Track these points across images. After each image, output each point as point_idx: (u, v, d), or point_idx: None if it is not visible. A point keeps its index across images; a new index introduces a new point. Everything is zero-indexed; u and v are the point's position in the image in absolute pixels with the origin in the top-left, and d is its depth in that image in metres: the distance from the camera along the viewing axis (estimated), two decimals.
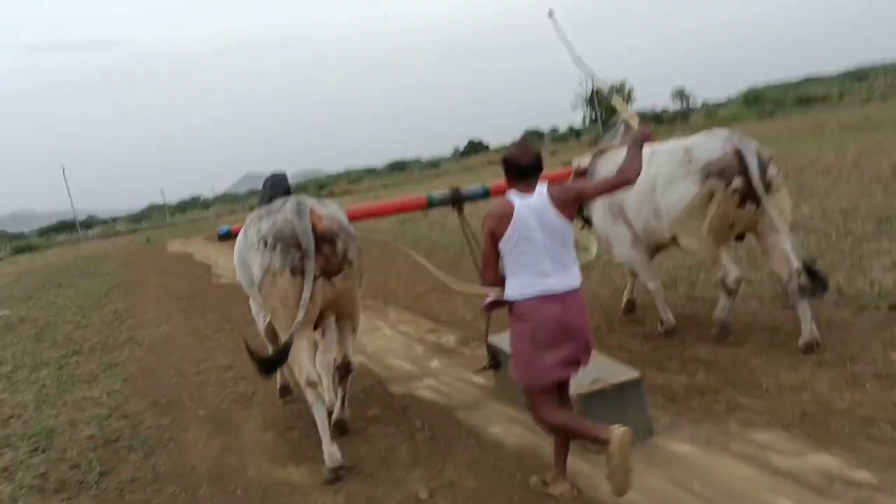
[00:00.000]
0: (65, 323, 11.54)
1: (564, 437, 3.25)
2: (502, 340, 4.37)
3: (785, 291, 4.75)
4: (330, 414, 4.28)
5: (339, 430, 4.42)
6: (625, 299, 6.03)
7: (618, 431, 2.88)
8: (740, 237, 4.78)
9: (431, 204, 5.27)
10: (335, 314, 4.44)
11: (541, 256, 3.07)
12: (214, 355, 7.38)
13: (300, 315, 3.79)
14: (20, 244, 61.12)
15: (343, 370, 4.45)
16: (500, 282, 3.21)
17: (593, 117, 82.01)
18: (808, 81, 68.89)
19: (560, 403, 3.22)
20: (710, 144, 4.48)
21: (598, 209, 5.37)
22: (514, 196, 3.13)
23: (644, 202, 4.81)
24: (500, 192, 4.62)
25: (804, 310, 4.38)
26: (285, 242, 3.89)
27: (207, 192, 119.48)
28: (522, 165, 3.14)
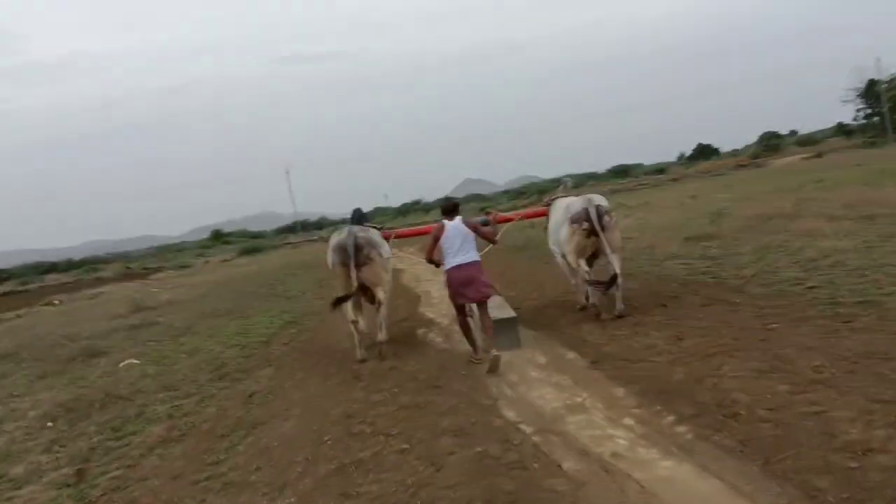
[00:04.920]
0: (171, 400, 7.09)
1: (468, 333, 6.85)
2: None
3: (608, 282, 7.29)
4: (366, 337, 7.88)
5: (380, 353, 7.50)
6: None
7: (489, 356, 6.27)
8: (594, 256, 7.72)
9: None
10: (370, 286, 7.57)
11: (456, 246, 6.59)
12: None
13: (352, 283, 7.32)
14: (249, 245, 62.34)
15: (378, 305, 7.75)
16: (433, 260, 6.86)
17: (870, 112, 69.07)
18: None
19: (481, 315, 6.70)
20: (576, 204, 7.66)
21: (550, 239, 8.73)
22: (445, 221, 6.75)
23: (555, 233, 8.20)
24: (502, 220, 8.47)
25: (618, 294, 7.46)
26: (340, 249, 7.41)
27: (428, 196, 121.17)
28: (448, 208, 6.90)
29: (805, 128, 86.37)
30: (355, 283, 7.31)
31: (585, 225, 7.34)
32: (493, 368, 6.14)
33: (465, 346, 7.18)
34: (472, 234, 6.69)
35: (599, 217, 7.31)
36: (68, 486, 5.07)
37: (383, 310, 7.78)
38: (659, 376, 5.31)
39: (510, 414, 5.08)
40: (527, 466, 3.98)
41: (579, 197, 7.85)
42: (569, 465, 3.97)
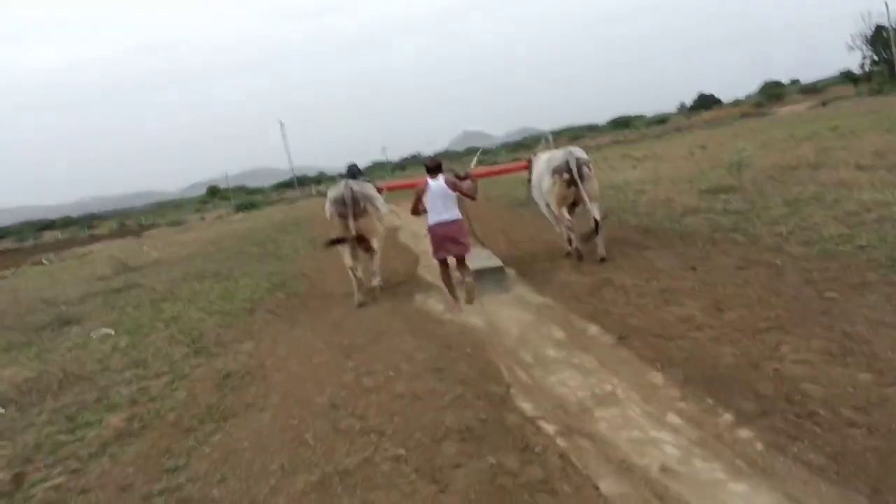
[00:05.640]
0: (137, 380, 6.36)
1: (448, 284, 7.21)
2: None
3: (591, 231, 8.05)
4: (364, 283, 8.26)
5: (373, 294, 8.28)
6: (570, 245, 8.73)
7: (460, 306, 6.98)
8: (574, 205, 8.08)
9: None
10: (366, 236, 8.09)
11: (438, 204, 7.08)
12: None
13: (349, 233, 7.79)
14: (244, 201, 61.44)
15: (372, 254, 8.36)
16: (419, 212, 7.31)
17: (876, 59, 67.30)
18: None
19: (459, 267, 7.17)
20: (557, 156, 8.16)
21: (534, 191, 9.17)
22: (429, 179, 7.19)
23: (539, 185, 8.68)
24: (480, 175, 8.79)
25: (599, 240, 7.98)
26: (338, 201, 7.90)
27: (427, 150, 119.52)
28: (431, 166, 7.29)
29: (806, 77, 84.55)
30: (353, 233, 7.85)
31: (566, 175, 7.88)
32: (469, 300, 7.01)
33: (469, 318, 6.40)
34: (453, 193, 7.16)
35: (579, 168, 7.86)
36: (0, 496, 4.25)
37: (376, 258, 8.50)
38: (703, 358, 4.46)
39: (527, 406, 4.24)
40: (555, 488, 3.13)
41: (560, 150, 8.53)
42: (608, 485, 3.12)
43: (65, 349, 8.45)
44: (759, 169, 13.83)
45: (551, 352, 5.24)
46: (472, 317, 6.63)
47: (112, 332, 9.05)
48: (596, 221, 7.91)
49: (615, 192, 15.39)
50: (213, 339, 7.58)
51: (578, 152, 8.14)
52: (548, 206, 8.73)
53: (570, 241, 8.45)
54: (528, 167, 9.61)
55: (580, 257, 8.11)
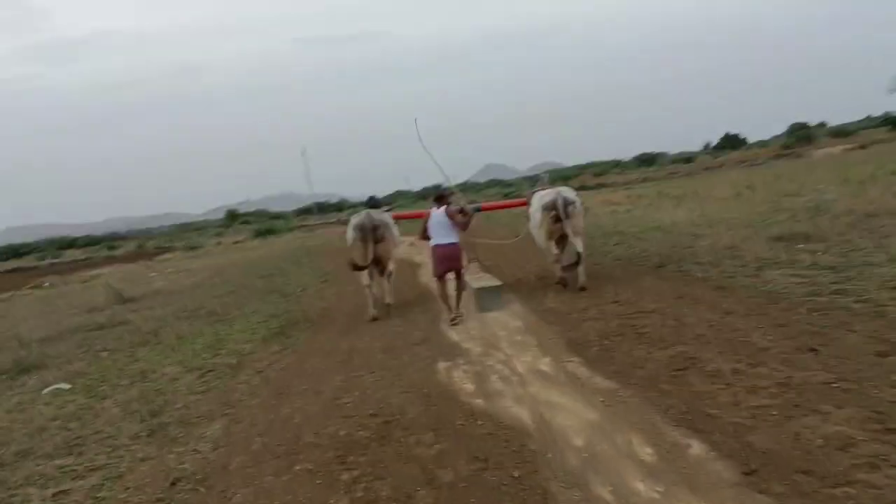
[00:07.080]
0: (60, 477, 4.60)
1: (444, 298, 8.42)
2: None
3: (573, 262, 8.93)
4: (378, 300, 9.28)
5: (387, 309, 9.28)
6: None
7: (455, 314, 8.31)
8: (563, 238, 9.00)
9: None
10: (382, 259, 9.16)
11: (439, 230, 8.36)
12: None
13: (368, 256, 8.83)
14: (264, 227, 60.30)
15: (388, 277, 9.47)
16: (426, 238, 8.54)
17: None
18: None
19: (457, 281, 8.51)
20: (548, 195, 9.12)
21: (531, 225, 9.94)
22: (433, 208, 8.52)
23: (532, 220, 9.68)
24: (487, 208, 11.67)
25: (580, 270, 8.88)
26: (359, 228, 8.99)
27: (448, 182, 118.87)
28: (437, 197, 8.63)
29: (832, 120, 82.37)
30: (371, 256, 8.89)
31: (553, 212, 8.88)
32: (456, 323, 8.13)
33: (511, 407, 4.73)
34: (450, 222, 8.39)
35: (565, 206, 8.84)
36: None
37: (391, 279, 9.60)
38: None
39: None
40: None
41: (552, 189, 9.50)
42: None
43: (4, 411, 6.87)
44: (834, 215, 12.08)
45: (640, 486, 3.51)
46: (515, 406, 4.92)
47: (68, 387, 7.49)
48: (578, 254, 8.90)
49: (664, 234, 13.68)
50: (178, 413, 5.94)
51: (567, 192, 9.18)
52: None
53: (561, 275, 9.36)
54: (527, 203, 10.62)
55: (564, 286, 9.15)
